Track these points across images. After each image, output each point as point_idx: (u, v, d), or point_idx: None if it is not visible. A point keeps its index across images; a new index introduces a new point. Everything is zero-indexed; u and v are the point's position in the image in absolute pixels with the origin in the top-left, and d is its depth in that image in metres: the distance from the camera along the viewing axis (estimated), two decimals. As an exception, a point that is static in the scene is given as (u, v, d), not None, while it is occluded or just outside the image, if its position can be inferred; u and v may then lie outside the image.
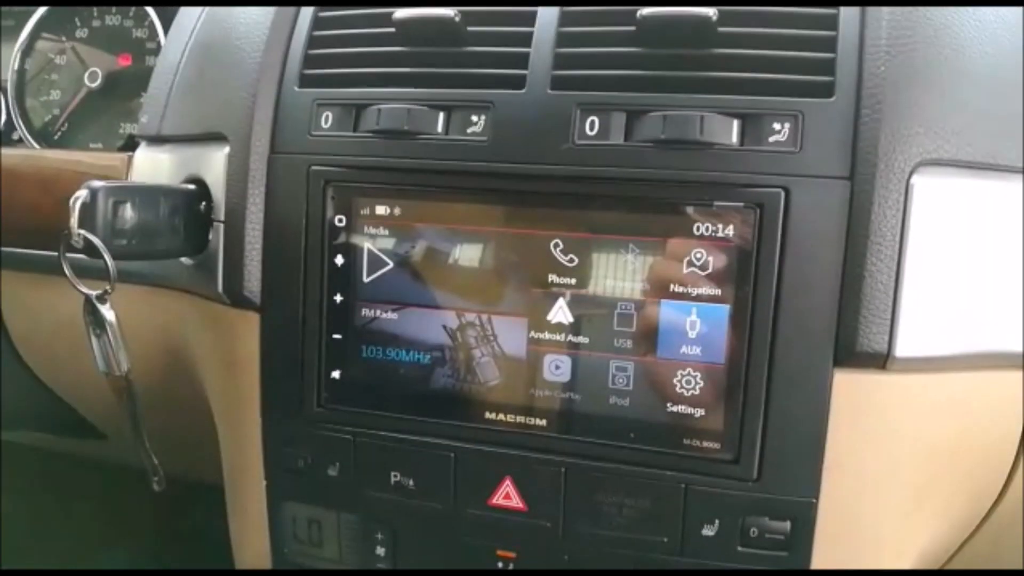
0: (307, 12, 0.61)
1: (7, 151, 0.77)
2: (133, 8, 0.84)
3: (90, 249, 0.55)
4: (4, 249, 0.72)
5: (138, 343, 0.62)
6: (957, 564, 0.65)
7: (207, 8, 0.69)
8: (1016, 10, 0.53)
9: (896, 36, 0.50)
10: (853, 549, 0.53)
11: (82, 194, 0.54)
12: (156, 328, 0.71)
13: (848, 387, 0.51)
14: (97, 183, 0.55)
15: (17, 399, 0.89)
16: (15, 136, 0.88)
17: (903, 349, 0.50)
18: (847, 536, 0.53)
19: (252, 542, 0.67)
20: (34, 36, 0.88)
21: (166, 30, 0.79)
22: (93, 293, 0.57)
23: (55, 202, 0.71)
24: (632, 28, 0.53)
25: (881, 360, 0.50)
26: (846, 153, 0.50)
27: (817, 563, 0.53)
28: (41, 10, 0.87)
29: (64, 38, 0.88)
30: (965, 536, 0.62)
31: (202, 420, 0.72)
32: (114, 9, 0.86)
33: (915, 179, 0.49)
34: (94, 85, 0.85)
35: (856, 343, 0.50)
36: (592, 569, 0.57)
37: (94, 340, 0.59)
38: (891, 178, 0.49)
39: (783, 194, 0.50)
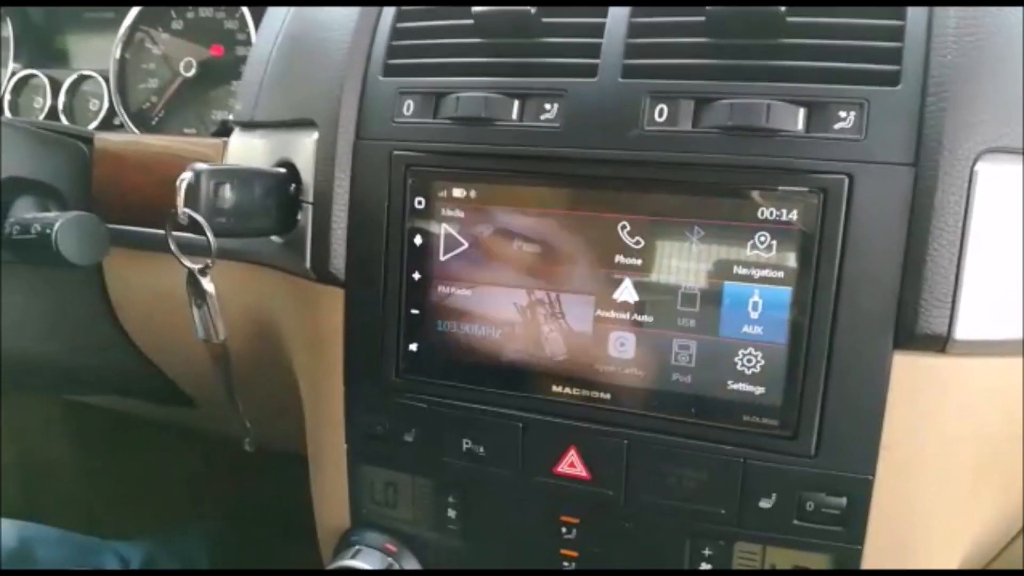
0: (391, 5, 0.65)
1: (111, 136, 0.83)
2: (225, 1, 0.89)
3: (193, 226, 0.60)
4: (109, 226, 0.78)
5: (230, 316, 0.67)
6: (1008, 555, 0.66)
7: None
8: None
9: (964, 26, 0.51)
10: (907, 528, 0.55)
11: (187, 176, 0.59)
12: (247, 302, 0.76)
13: (907, 369, 0.52)
14: (201, 165, 0.60)
15: (114, 365, 0.96)
16: (116, 121, 0.95)
17: (963, 332, 0.51)
18: (902, 515, 0.55)
19: (332, 503, 0.71)
20: (133, 28, 0.94)
21: (256, 23, 0.84)
22: (196, 266, 0.62)
23: (155, 183, 0.77)
24: (702, 18, 0.55)
25: (941, 343, 0.51)
26: (911, 140, 0.51)
27: (871, 539, 0.55)
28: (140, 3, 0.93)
29: (161, 30, 0.94)
30: (1020, 525, 0.62)
31: (286, 390, 0.77)
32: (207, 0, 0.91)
33: (979, 166, 0.50)
34: (189, 74, 0.91)
35: (916, 326, 0.51)
36: (654, 570, 0.60)
37: (195, 310, 0.64)
38: (955, 165, 0.50)
39: (847, 180, 0.52)
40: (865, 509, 0.54)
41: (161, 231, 0.61)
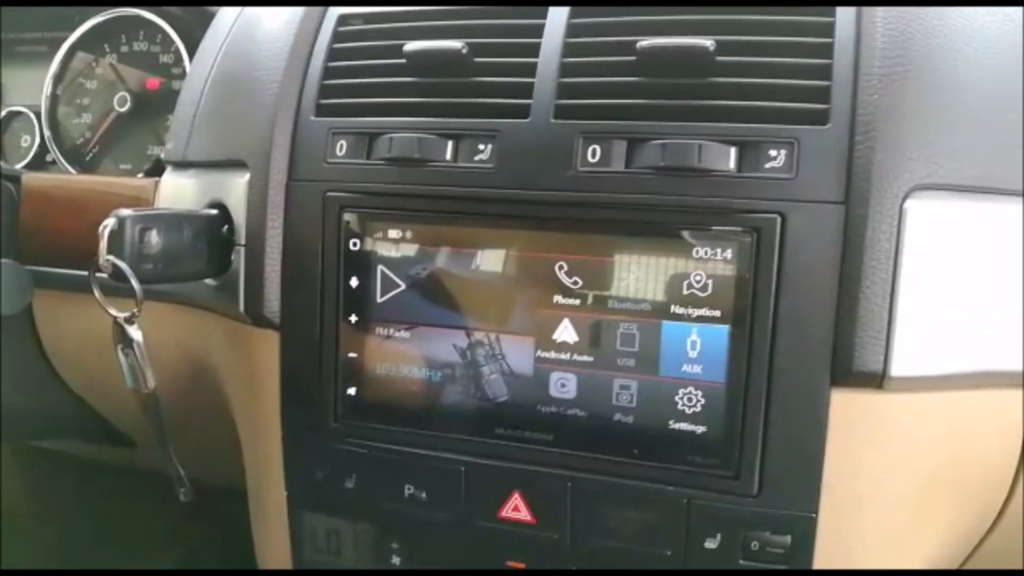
0: (323, 44, 0.64)
1: (41, 175, 0.81)
2: (160, 34, 0.88)
3: (118, 274, 0.58)
4: (36, 268, 0.75)
5: (165, 358, 0.65)
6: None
7: (229, 38, 0.71)
8: (1011, 33, 0.54)
9: (890, 64, 0.51)
10: (852, 563, 0.55)
11: (110, 222, 0.57)
12: (182, 344, 0.74)
13: (845, 406, 0.52)
14: (124, 211, 0.58)
15: (53, 409, 0.93)
16: (48, 158, 0.92)
17: (899, 369, 0.51)
18: (846, 551, 0.54)
19: (274, 549, 0.69)
20: (66, 62, 0.92)
21: (191, 55, 0.82)
22: (121, 315, 0.60)
23: (86, 226, 0.74)
24: (632, 58, 0.55)
25: (877, 380, 0.51)
26: (841, 179, 0.51)
27: (818, 576, 0.55)
28: (73, 37, 0.91)
29: (94, 64, 0.91)
30: (966, 554, 0.63)
31: (228, 430, 0.75)
32: (141, 35, 0.89)
33: (909, 203, 0.50)
34: (123, 109, 0.89)
35: (852, 363, 0.51)
36: (599, 569, 0.59)
37: (122, 358, 0.62)
38: (884, 203, 0.50)
39: (779, 219, 0.52)
40: (810, 547, 0.54)
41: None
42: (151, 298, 0.60)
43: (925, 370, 0.51)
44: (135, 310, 0.59)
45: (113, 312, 0.60)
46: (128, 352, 0.61)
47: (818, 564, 0.54)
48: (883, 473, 0.54)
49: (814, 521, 0.54)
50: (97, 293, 0.59)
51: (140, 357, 0.61)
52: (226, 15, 0.74)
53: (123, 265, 0.56)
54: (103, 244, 0.57)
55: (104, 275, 0.58)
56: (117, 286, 0.59)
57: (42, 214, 0.77)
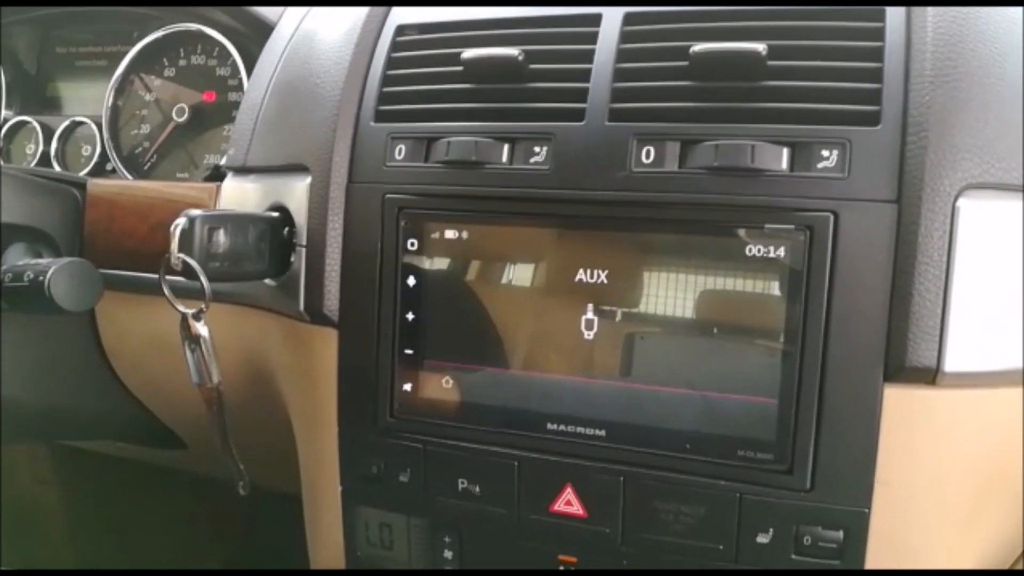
0: (382, 53, 0.66)
1: (106, 181, 0.84)
2: (217, 48, 0.91)
3: (187, 271, 0.60)
4: (101, 271, 0.78)
5: (224, 358, 0.67)
6: None
7: (288, 49, 0.74)
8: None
9: (940, 68, 0.52)
10: (905, 560, 0.55)
11: (181, 221, 0.60)
12: (241, 344, 0.76)
13: (898, 402, 0.53)
14: (194, 211, 0.60)
15: (106, 410, 0.95)
16: (108, 167, 0.96)
17: (952, 364, 0.51)
18: (899, 547, 0.55)
19: (327, 545, 0.71)
20: (126, 75, 0.95)
21: (248, 69, 0.85)
22: (190, 311, 0.62)
23: (149, 228, 0.77)
24: (685, 63, 0.57)
25: (930, 375, 0.52)
26: (893, 178, 0.52)
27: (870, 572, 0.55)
28: (133, 51, 0.94)
29: (153, 77, 0.95)
30: (1017, 553, 0.62)
31: (280, 431, 0.77)
32: (199, 49, 0.93)
33: (961, 202, 0.51)
34: (181, 120, 0.92)
35: (905, 359, 0.52)
36: (650, 569, 0.60)
37: (189, 354, 0.64)
38: (937, 202, 0.51)
39: (832, 217, 0.53)
40: (862, 542, 0.55)
41: (154, 275, 0.62)
42: (212, 300, 0.62)
43: (978, 366, 0.52)
44: (202, 306, 0.62)
45: (181, 308, 0.62)
46: (195, 348, 0.63)
47: (870, 559, 0.55)
48: (936, 469, 0.54)
49: (867, 516, 0.54)
50: (166, 290, 0.61)
51: (206, 352, 0.63)
52: (284, 28, 0.77)
53: (193, 262, 0.59)
54: (174, 243, 0.59)
55: (172, 275, 0.61)
56: (182, 286, 0.61)
57: (107, 218, 0.79)
